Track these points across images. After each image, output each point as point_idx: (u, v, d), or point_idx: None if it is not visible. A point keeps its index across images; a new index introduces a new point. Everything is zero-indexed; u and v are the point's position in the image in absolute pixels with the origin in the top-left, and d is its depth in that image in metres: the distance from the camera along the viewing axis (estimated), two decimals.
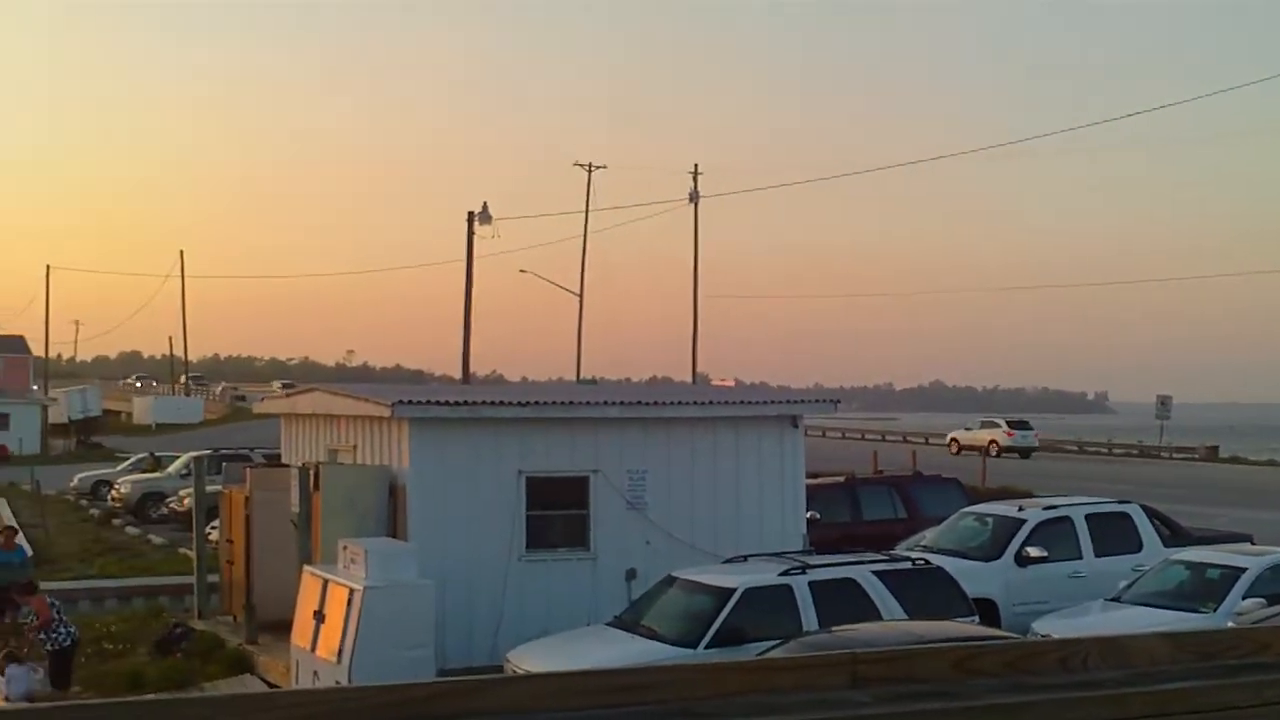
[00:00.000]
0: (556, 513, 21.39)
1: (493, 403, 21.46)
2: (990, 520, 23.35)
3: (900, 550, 21.46)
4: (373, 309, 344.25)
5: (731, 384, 58.04)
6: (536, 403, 21.73)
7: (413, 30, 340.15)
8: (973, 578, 19.46)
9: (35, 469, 57.28)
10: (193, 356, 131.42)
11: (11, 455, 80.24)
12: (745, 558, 18.74)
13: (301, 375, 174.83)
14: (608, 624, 18.01)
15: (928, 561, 18.77)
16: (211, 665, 21.28)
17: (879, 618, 16.33)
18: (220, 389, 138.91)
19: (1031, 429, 79.15)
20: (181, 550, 36.45)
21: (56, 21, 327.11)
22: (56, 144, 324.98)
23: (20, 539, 29.33)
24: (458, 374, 56.14)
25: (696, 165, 76.48)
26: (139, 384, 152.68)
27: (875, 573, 17.50)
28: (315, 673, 17.96)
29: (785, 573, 17.30)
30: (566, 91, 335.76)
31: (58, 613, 20.42)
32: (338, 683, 17.13)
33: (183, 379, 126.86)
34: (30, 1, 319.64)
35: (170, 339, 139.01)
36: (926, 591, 17.60)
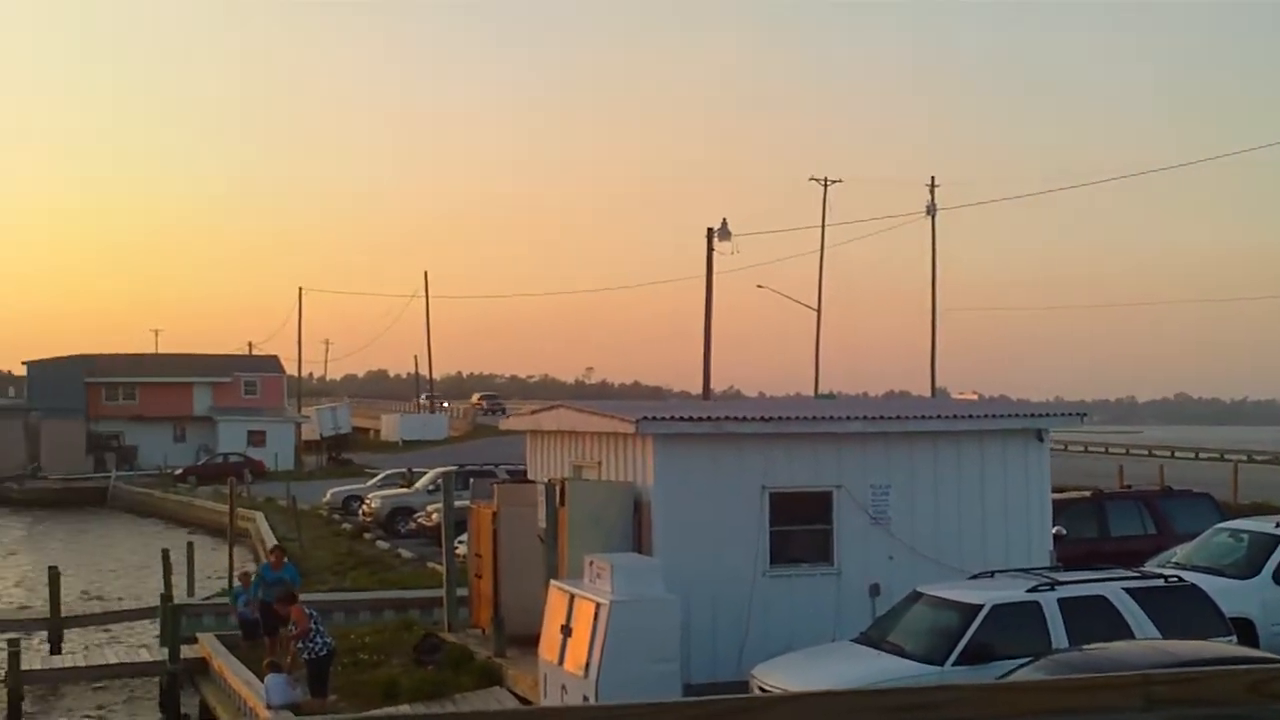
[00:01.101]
0: (800, 528, 21.31)
1: (736, 418, 21.48)
2: (1246, 536, 22.51)
3: (1150, 567, 20.86)
4: (611, 326, 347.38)
5: (974, 397, 57.16)
6: (780, 418, 21.69)
7: (650, 49, 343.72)
8: (1228, 596, 18.79)
9: (290, 484, 59.27)
10: (436, 374, 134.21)
11: (267, 471, 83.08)
12: (992, 574, 18.43)
13: (541, 392, 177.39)
14: (853, 640, 17.87)
15: (1181, 579, 18.18)
16: (462, 677, 21.68)
17: (1131, 636, 15.90)
18: (476, 399, 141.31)
19: None
20: (430, 564, 37.32)
21: (306, 48, 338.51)
22: (310, 169, 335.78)
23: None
24: (695, 390, 56.34)
25: (933, 178, 75.53)
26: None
27: (1126, 590, 17.03)
28: (563, 686, 18.19)
29: (1033, 589, 16.96)
30: (803, 106, 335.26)
31: (315, 623, 21.01)
32: (585, 698, 17.34)
33: (423, 398, 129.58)
34: (274, 32, 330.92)
35: (415, 357, 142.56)
36: (1180, 610, 17.05)
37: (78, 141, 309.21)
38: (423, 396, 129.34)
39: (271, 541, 46.80)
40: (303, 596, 24.44)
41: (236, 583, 28.18)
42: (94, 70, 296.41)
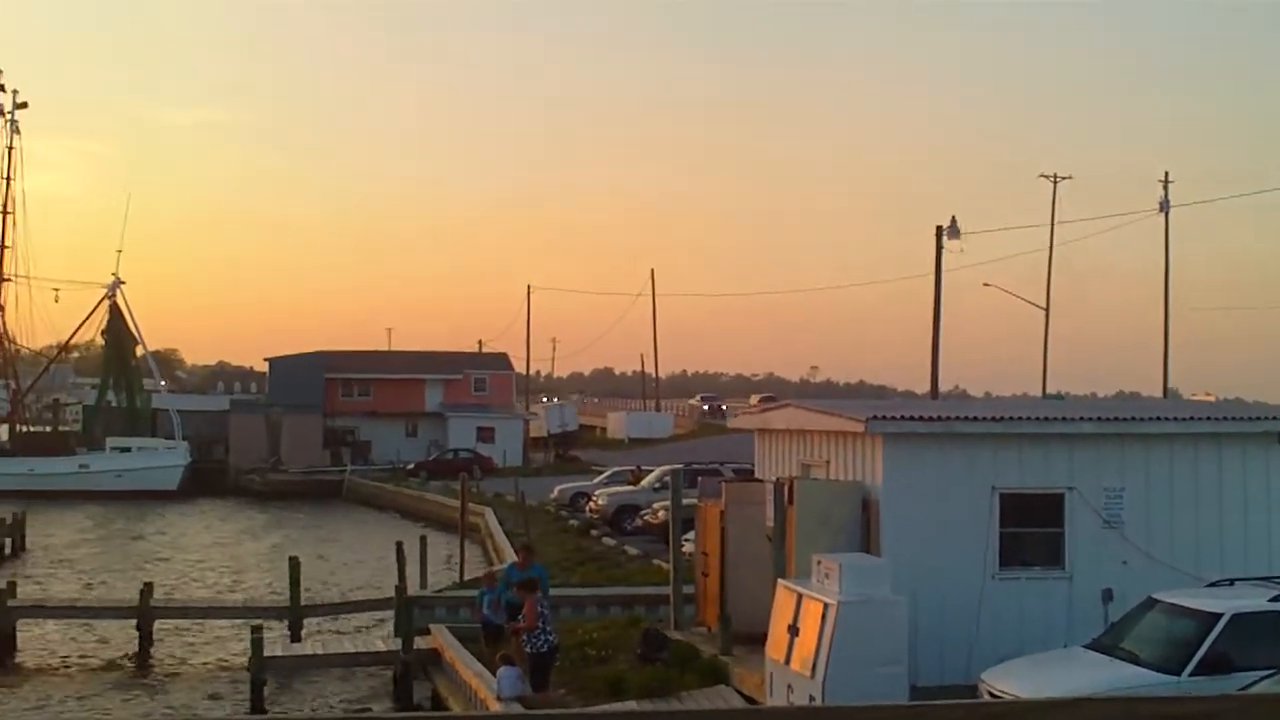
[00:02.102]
0: (1030, 530, 20.97)
1: (966, 418, 21.23)
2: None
3: None
4: (836, 324, 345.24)
5: (1209, 399, 55.50)
6: (1010, 418, 21.36)
7: (877, 46, 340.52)
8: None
9: (518, 481, 60.19)
10: (661, 373, 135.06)
11: (496, 467, 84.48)
12: (1231, 581, 17.92)
13: (766, 391, 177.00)
14: (1085, 646, 17.54)
15: None
16: (688, 674, 21.79)
17: None
18: (697, 399, 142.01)
19: None
20: (656, 561, 37.57)
21: (526, 49, 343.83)
22: (537, 167, 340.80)
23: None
24: (920, 389, 55.83)
25: (1167, 174, 73.36)
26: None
27: None
28: (789, 686, 18.17)
29: (1275, 598, 16.45)
30: (1032, 102, 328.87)
31: (543, 620, 21.27)
32: (811, 698, 17.30)
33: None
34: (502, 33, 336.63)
35: (642, 356, 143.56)
36: None
37: (319, 145, 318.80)
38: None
39: (500, 536, 47.73)
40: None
41: (481, 584, 28.31)
42: (324, 78, 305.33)
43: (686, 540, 27.69)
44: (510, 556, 41.85)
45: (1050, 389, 75.30)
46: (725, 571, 23.63)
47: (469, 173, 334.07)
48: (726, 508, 23.77)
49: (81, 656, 32.99)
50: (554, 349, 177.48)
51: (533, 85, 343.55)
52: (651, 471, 54.90)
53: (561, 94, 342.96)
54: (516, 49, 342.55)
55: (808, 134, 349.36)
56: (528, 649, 21.26)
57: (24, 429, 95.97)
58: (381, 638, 30.67)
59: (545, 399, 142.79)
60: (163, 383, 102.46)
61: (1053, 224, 76.20)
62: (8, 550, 53.12)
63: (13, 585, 34.88)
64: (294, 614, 33.06)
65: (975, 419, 21.23)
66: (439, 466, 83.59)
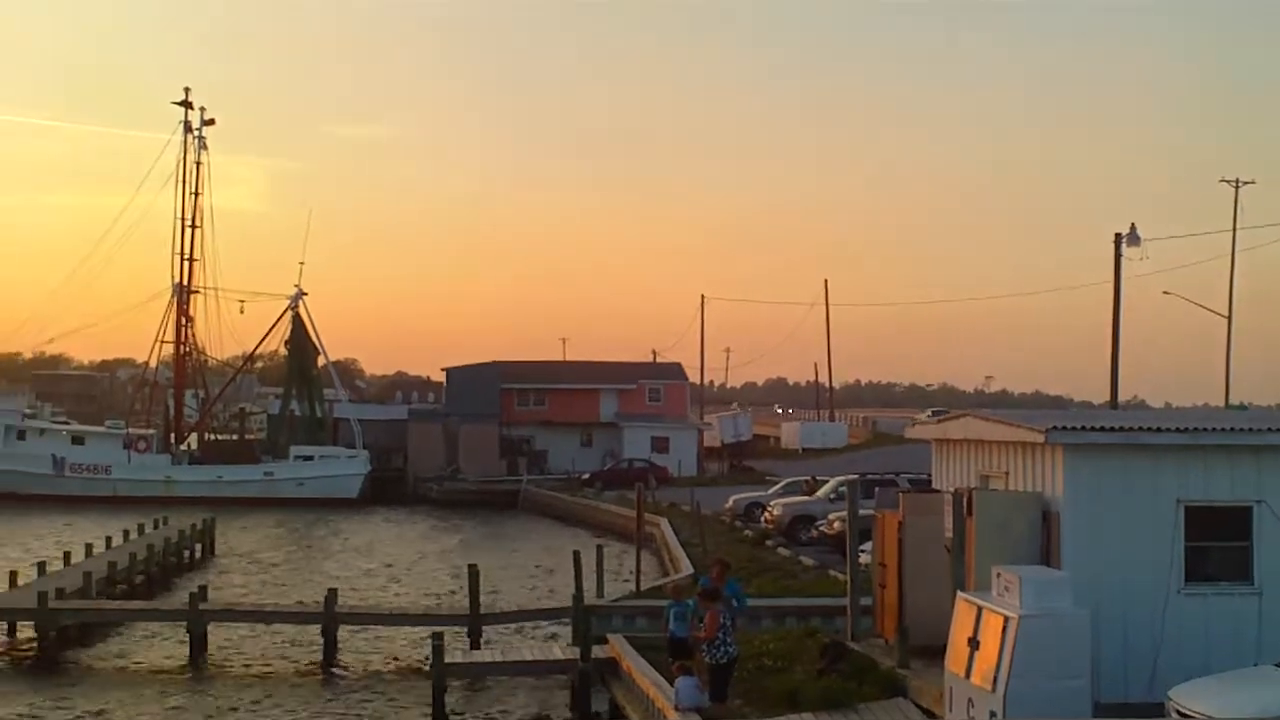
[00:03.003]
0: (1216, 544, 20.45)
1: (1149, 429, 20.80)
2: None
3: None
4: (1011, 333, 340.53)
5: None
6: (1195, 429, 20.89)
7: (1054, 50, 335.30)
8: None
9: (693, 490, 60.34)
10: (835, 383, 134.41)
11: (671, 477, 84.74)
12: None
13: (940, 401, 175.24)
14: (1277, 665, 17.12)
15: None
16: (866, 686, 21.67)
17: None
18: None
19: None
20: (831, 572, 37.41)
21: (704, 60, 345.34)
22: (712, 178, 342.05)
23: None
24: (1098, 399, 54.85)
25: None
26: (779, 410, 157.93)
27: None
28: (970, 700, 18.00)
29: None
30: (1214, 107, 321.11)
31: (724, 631, 21.27)
32: (992, 713, 17.12)
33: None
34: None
35: (815, 365, 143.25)
36: None
37: (493, 159, 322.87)
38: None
39: (675, 546, 47.87)
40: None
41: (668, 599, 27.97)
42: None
43: (863, 551, 27.54)
44: (685, 566, 42.03)
45: (1234, 399, 73.38)
46: (903, 583, 23.46)
47: (644, 184, 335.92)
48: (904, 518, 23.61)
49: (268, 660, 33.86)
50: (727, 359, 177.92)
51: (711, 95, 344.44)
52: (826, 482, 54.65)
53: (740, 104, 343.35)
54: (693, 61, 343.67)
55: (983, 141, 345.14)
56: (707, 659, 21.28)
57: (212, 437, 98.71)
58: (560, 646, 30.94)
59: (734, 406, 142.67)
60: (343, 392, 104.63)
61: (1234, 230, 74.25)
62: (198, 555, 54.66)
63: (203, 589, 35.96)
64: (473, 621, 33.55)
65: (1159, 429, 20.78)
66: (614, 476, 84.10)
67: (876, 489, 32.82)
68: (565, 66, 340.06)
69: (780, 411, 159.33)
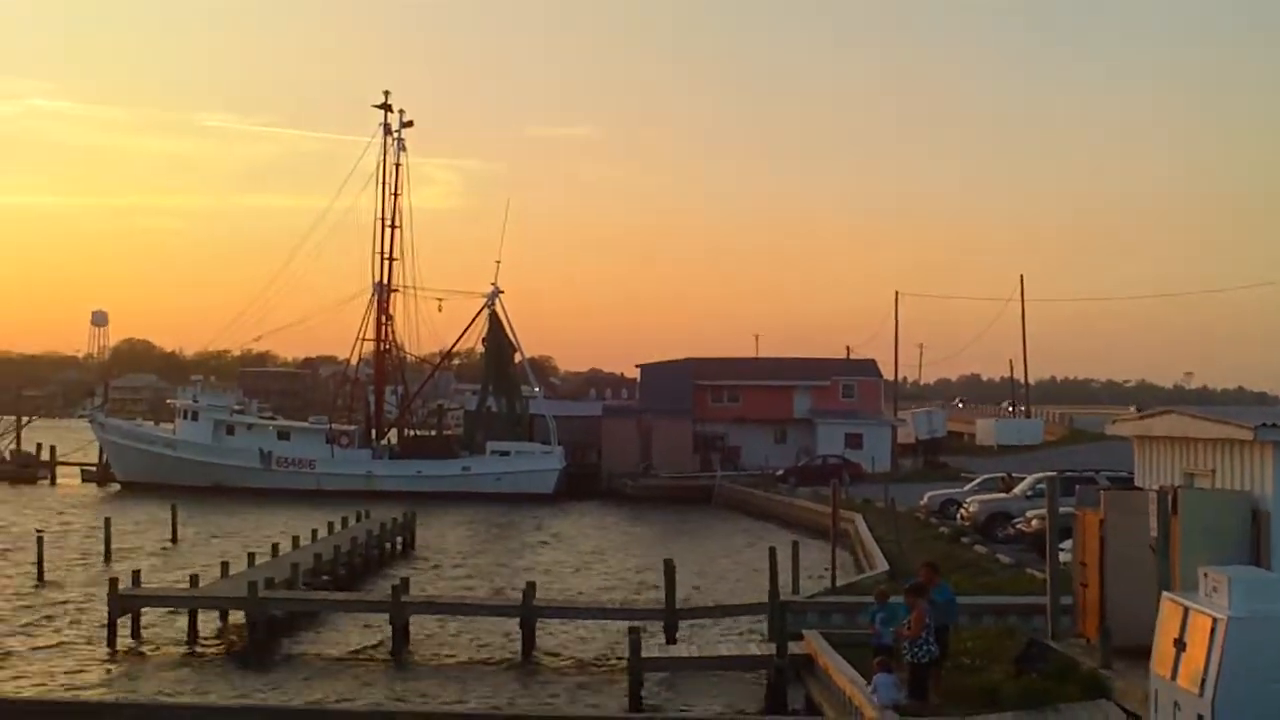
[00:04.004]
0: None
1: None
2: None
3: None
4: (1210, 329, 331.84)
5: None
6: None
7: (1243, 44, 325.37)
8: None
9: (888, 487, 59.93)
10: (1030, 379, 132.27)
11: (865, 473, 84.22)
12: None
13: (1137, 398, 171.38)
14: None
15: None
16: (1067, 687, 21.37)
17: None
18: (1132, 409, 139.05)
19: None
20: (1029, 570, 36.89)
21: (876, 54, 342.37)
22: (902, 174, 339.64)
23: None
24: None
25: None
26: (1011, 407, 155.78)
27: None
28: (1176, 703, 17.63)
29: None
30: None
31: (927, 630, 21.11)
32: (1199, 717, 16.76)
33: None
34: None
35: (1010, 362, 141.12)
36: None
37: (683, 159, 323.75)
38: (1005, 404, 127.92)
39: (870, 542, 47.60)
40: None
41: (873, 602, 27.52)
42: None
43: (1062, 549, 27.12)
44: (880, 563, 41.78)
45: None
46: (1105, 582, 23.07)
47: (836, 180, 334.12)
48: (1106, 516, 23.22)
49: (467, 652, 34.47)
50: (920, 355, 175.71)
51: (904, 91, 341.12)
52: (1023, 479, 53.85)
53: (930, 102, 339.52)
54: (883, 58, 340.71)
55: (1183, 133, 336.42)
56: (908, 657, 21.16)
57: (411, 433, 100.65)
58: (756, 642, 30.99)
59: (938, 401, 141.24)
60: (538, 389, 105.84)
61: None
62: (398, 548, 55.81)
63: (405, 581, 36.71)
64: (669, 616, 33.75)
65: None
66: (807, 472, 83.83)
67: (1076, 486, 32.32)
68: (756, 66, 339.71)
69: (960, 406, 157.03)
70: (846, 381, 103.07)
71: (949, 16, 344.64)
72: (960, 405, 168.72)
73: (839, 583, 38.27)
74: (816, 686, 26.12)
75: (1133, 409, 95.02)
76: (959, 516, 52.33)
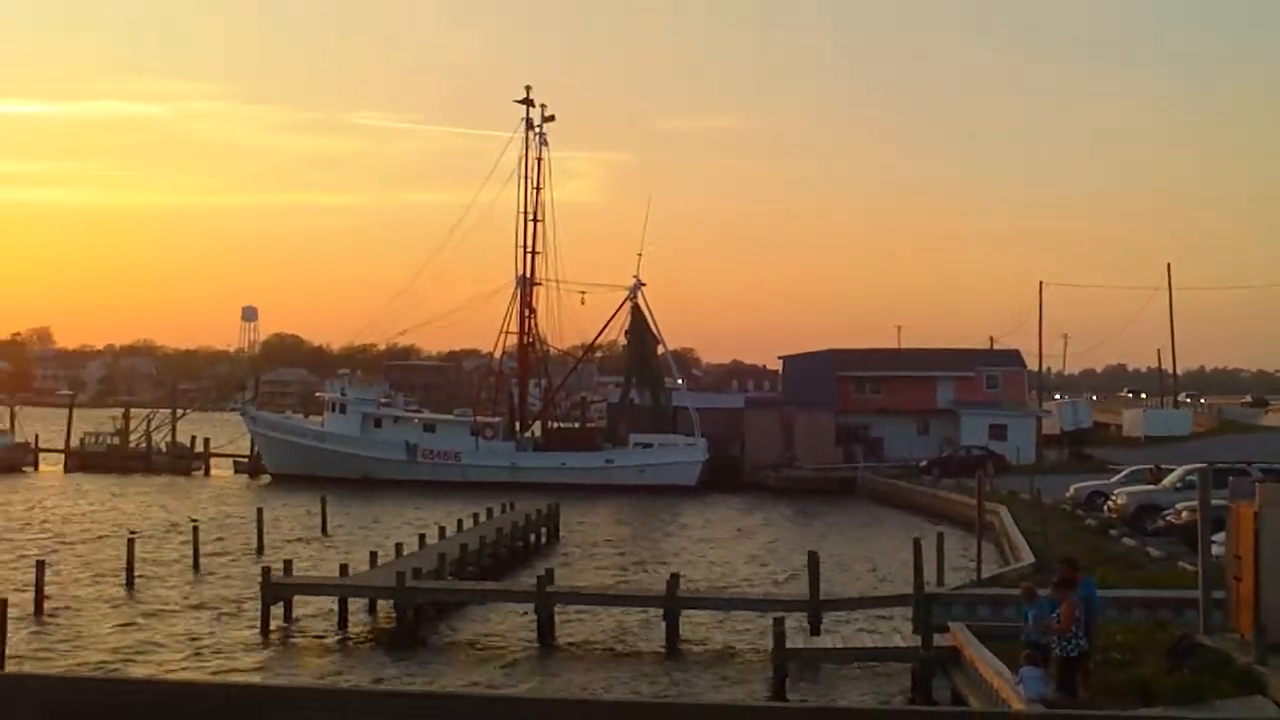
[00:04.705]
0: None
1: None
2: None
3: None
4: None
5: None
6: None
7: None
8: None
9: (1033, 479, 59.23)
10: (1179, 369, 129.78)
11: (1009, 464, 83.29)
12: None
13: None
14: None
15: None
16: (1221, 682, 21.02)
17: None
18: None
19: None
20: (1180, 564, 36.29)
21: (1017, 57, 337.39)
22: (1046, 164, 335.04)
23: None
24: None
25: None
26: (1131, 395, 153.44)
27: None
28: None
29: None
30: None
31: (1076, 624, 20.80)
32: None
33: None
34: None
35: (1158, 351, 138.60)
36: None
37: (829, 148, 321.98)
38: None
39: (1015, 534, 47.11)
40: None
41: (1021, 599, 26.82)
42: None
43: (1214, 542, 26.65)
44: (1026, 555, 41.34)
45: None
46: (1259, 577, 22.65)
47: (980, 169, 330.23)
48: (1261, 510, 22.78)
49: (611, 642, 34.75)
50: (1065, 345, 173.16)
51: (1040, 85, 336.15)
52: (1171, 470, 52.88)
53: (1070, 91, 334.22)
54: (1024, 46, 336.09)
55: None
56: (1057, 651, 20.89)
57: (555, 425, 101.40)
58: (900, 634, 30.85)
59: (1067, 397, 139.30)
60: (680, 381, 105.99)
61: None
62: (543, 539, 56.30)
63: (550, 572, 37.09)
64: (813, 607, 33.74)
65: None
66: (951, 463, 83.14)
67: (1229, 479, 31.72)
68: (895, 54, 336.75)
69: (1094, 398, 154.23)
70: (990, 372, 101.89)
71: (1089, 5, 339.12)
72: (1130, 395, 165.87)
73: (984, 575, 37.93)
74: (962, 679, 25.96)
75: None
76: (1106, 509, 51.51)
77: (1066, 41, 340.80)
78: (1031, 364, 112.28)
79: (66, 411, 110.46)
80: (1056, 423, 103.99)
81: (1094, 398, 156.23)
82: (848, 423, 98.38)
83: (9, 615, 29.93)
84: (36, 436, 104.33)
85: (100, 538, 55.64)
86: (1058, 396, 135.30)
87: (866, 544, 57.30)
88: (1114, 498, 51.40)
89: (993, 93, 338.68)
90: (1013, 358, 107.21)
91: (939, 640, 27.74)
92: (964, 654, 26.33)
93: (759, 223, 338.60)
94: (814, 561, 34.24)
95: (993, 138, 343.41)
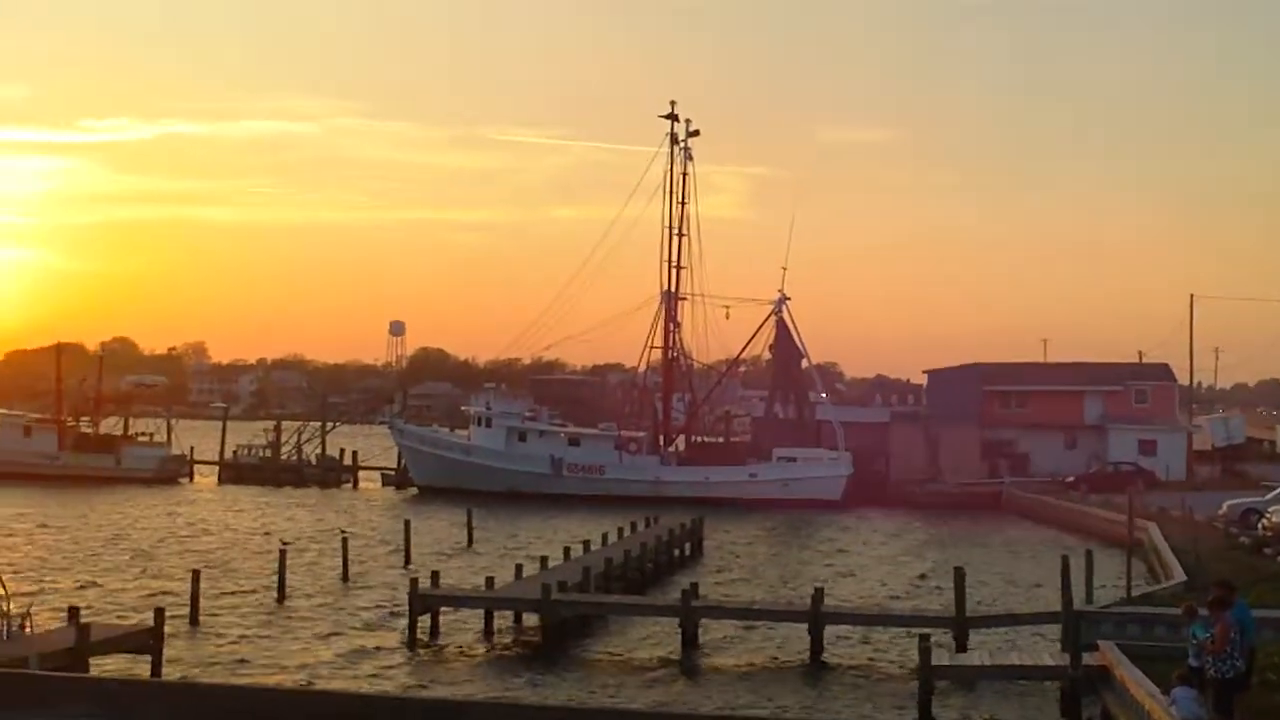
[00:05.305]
0: None
1: None
2: None
3: None
4: None
5: None
6: None
7: None
8: None
9: (1184, 495, 58.19)
10: None
11: (1159, 481, 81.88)
12: None
13: None
14: None
15: None
16: None
17: None
18: None
19: None
20: None
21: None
22: (1207, 171, 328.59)
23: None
24: None
25: None
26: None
27: None
28: None
29: None
30: None
31: (1232, 645, 20.37)
32: None
33: None
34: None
35: None
36: None
37: (977, 159, 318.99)
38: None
39: (1166, 552, 46.30)
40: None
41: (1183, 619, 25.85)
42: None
43: None
44: (1177, 574, 40.63)
45: None
46: None
47: (1128, 181, 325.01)
48: None
49: (756, 657, 34.77)
50: (1216, 359, 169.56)
51: (1193, 95, 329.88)
52: None
53: (1226, 100, 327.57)
54: (1179, 56, 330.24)
55: None
56: (1212, 672, 20.49)
57: (699, 439, 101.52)
58: (1049, 652, 30.50)
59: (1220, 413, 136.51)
60: (824, 395, 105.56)
61: None
62: (687, 552, 56.44)
63: (694, 586, 37.21)
64: (959, 624, 33.51)
65: None
66: (1098, 479, 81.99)
67: None
68: (1046, 63, 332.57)
69: (1260, 411, 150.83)
70: (1139, 387, 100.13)
71: (1254, 12, 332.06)
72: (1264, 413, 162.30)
73: (1134, 593, 37.36)
74: (1112, 699, 25.58)
75: None
76: (1260, 527, 50.43)
77: (1224, 48, 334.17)
78: (1182, 378, 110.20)
79: (220, 425, 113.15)
80: (1208, 438, 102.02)
81: (1261, 411, 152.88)
82: (993, 437, 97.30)
83: (166, 623, 30.88)
84: (192, 449, 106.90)
85: (253, 549, 56.83)
86: (1219, 410, 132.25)
87: (1013, 560, 56.67)
88: (1269, 515, 50.32)
89: (1146, 101, 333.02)
90: (1162, 372, 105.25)
91: (1088, 659, 27.37)
92: (1114, 673, 25.95)
93: (904, 235, 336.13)
94: (960, 577, 34.00)
95: (1142, 146, 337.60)
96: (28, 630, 28.10)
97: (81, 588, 43.86)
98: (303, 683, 30.28)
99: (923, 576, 51.38)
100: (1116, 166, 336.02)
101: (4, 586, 28.78)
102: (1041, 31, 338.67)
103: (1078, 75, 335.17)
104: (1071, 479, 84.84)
